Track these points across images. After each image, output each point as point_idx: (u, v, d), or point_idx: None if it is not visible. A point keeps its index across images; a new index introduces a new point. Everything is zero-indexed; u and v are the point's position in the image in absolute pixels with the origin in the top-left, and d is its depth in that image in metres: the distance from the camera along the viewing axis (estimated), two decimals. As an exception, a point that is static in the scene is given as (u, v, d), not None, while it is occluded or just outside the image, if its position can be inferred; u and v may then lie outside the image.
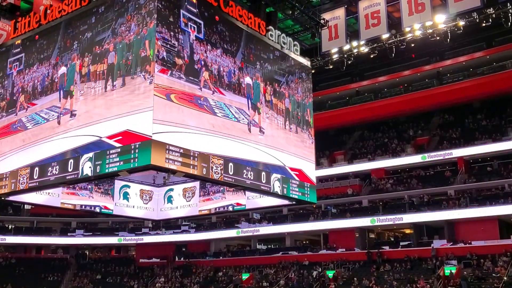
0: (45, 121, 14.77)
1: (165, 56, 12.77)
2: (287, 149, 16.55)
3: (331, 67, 29.04)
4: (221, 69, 14.65)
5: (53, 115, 14.59)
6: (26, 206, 46.04)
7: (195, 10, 14.03)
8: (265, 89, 16.23)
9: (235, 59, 15.21)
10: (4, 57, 16.34)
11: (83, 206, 18.64)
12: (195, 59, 13.72)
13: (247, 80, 15.53)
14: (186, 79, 13.33)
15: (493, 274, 30.04)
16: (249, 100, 15.50)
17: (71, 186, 17.80)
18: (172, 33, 13.14)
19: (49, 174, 14.04)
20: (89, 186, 18.88)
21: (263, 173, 14.98)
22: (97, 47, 13.94)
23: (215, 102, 14.08)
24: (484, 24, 25.26)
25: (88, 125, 13.56)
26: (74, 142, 13.72)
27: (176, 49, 13.16)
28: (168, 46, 12.96)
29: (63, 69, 14.71)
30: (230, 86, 14.89)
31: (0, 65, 16.49)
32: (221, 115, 14.24)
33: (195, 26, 13.93)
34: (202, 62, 14.01)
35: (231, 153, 14.29)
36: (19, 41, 16.14)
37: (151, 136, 11.90)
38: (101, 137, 13.02)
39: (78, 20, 14.64)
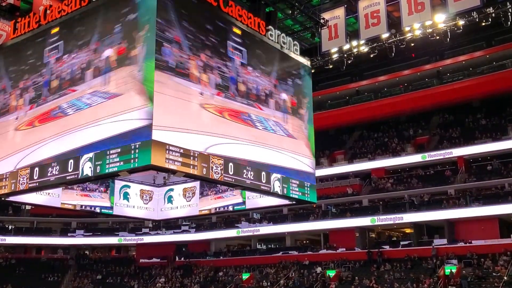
0: (87, 106, 14.08)
1: (220, 82, 14.54)
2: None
3: (331, 66, 29.06)
4: (259, 87, 16.19)
5: (96, 100, 13.95)
6: (26, 207, 46.07)
7: (239, 40, 15.50)
8: (293, 101, 17.44)
9: (270, 77, 16.74)
10: (40, 46, 15.99)
11: (83, 206, 18.63)
12: (239, 81, 15.37)
13: (283, 96, 17.09)
14: (234, 99, 14.97)
15: (494, 274, 30.05)
16: (285, 114, 16.96)
17: (84, 188, 17.90)
18: (222, 61, 14.78)
19: (49, 174, 14.03)
20: (101, 188, 18.96)
21: (263, 173, 14.98)
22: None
23: (256, 116, 15.64)
24: (483, 24, 25.27)
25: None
26: (123, 126, 12.79)
27: (227, 76, 14.93)
28: (221, 73, 14.70)
29: (108, 52, 13.89)
30: (267, 101, 16.40)
31: (37, 55, 15.99)
32: (261, 128, 15.78)
33: (240, 54, 15.53)
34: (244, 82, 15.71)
35: (268, 160, 15.64)
36: (56, 29, 15.69)
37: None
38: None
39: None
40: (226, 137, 14.36)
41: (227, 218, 46.74)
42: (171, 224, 47.74)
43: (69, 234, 49.94)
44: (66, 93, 14.75)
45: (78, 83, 14.53)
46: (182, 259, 48.02)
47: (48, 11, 15.38)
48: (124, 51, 13.30)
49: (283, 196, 15.89)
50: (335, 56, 27.69)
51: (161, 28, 12.74)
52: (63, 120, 14.59)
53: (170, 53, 12.99)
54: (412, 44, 27.39)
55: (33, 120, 15.54)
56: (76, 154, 13.58)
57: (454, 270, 30.97)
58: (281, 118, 16.66)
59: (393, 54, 27.01)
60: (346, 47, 27.17)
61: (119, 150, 12.35)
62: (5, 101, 16.63)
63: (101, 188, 19.25)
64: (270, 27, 16.60)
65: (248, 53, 15.74)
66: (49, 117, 15.07)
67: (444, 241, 36.03)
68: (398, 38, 26.39)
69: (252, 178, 14.52)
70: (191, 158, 12.71)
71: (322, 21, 22.07)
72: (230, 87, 14.92)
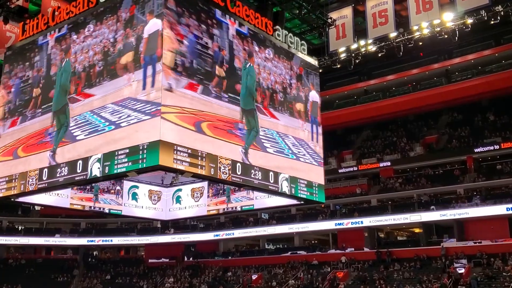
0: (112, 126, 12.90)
1: (194, 64, 11.49)
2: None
3: (338, 66, 28.94)
4: (273, 78, 12.72)
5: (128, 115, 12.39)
6: (36, 207, 46.29)
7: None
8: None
9: (292, 63, 13.51)
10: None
11: (92, 207, 18.71)
12: (236, 65, 12.46)
13: (313, 95, 14.04)
14: (227, 98, 12.25)
15: (503, 273, 29.87)
16: (314, 125, 13.84)
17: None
18: (204, 26, 11.70)
19: (58, 175, 14.07)
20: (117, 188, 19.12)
21: (271, 173, 14.90)
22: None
23: (264, 131, 12.70)
24: (492, 22, 25.08)
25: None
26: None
27: (209, 52, 11.43)
28: (199, 46, 11.66)
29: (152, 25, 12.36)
30: (286, 105, 13.16)
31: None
32: (273, 151, 12.94)
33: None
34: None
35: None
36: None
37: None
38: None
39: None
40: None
41: (235, 218, 46.76)
42: (180, 224, 47.83)
43: (78, 235, 50.20)
44: (75, 100, 13.89)
45: (95, 83, 13.57)
46: (191, 259, 48.10)
47: (56, 13, 15.42)
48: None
49: (291, 196, 15.83)
50: (343, 56, 27.60)
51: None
52: (67, 149, 13.72)
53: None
54: (420, 43, 27.26)
55: (15, 146, 14.84)
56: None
57: (463, 270, 30.88)
58: (308, 131, 13.63)
59: (401, 53, 26.88)
60: (354, 46, 27.08)
61: (127, 150, 12.37)
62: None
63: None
64: (277, 27, 16.56)
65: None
66: (41, 143, 14.32)
67: (454, 240, 35.87)
68: (406, 37, 26.28)
69: (260, 178, 14.45)
70: (199, 158, 12.69)
71: (329, 20, 22.02)
72: (212, 73, 12.13)
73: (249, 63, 14.63)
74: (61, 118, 14.33)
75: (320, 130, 15.12)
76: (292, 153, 13.94)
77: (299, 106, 14.83)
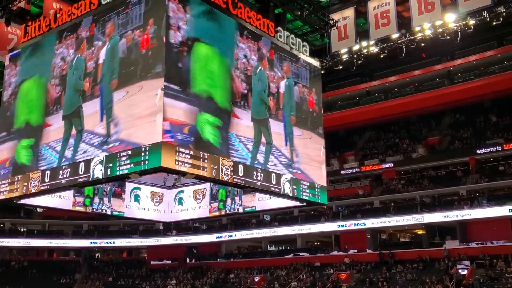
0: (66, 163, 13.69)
1: None
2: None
3: (340, 67, 28.89)
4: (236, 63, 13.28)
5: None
6: (38, 209, 46.35)
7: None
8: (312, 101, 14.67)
9: (260, 44, 13.83)
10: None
11: (94, 209, 18.69)
12: (177, 38, 12.27)
13: (283, 84, 13.96)
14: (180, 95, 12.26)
15: (506, 275, 29.79)
16: (286, 126, 13.87)
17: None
18: None
19: (60, 177, 14.04)
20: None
21: (273, 174, 14.88)
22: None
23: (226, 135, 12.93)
24: (494, 23, 25.01)
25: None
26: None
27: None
28: None
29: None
30: (246, 98, 13.56)
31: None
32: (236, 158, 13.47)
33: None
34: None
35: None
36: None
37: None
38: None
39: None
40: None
41: (237, 220, 46.75)
42: (182, 226, 47.84)
43: (80, 237, 50.23)
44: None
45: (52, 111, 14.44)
46: (193, 260, 48.09)
47: (58, 15, 15.40)
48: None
49: (293, 198, 15.79)
50: (345, 57, 27.54)
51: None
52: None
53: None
54: (423, 44, 27.19)
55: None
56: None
57: (466, 272, 30.80)
58: (281, 135, 13.68)
59: (403, 54, 26.83)
60: (356, 47, 27.01)
61: (129, 152, 12.36)
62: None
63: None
64: (279, 28, 16.53)
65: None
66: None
67: (456, 242, 35.80)
68: (408, 38, 26.21)
69: (262, 179, 14.41)
70: (201, 160, 12.65)
71: (331, 22, 21.99)
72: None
73: (260, 68, 14.67)
74: (75, 122, 13.88)
75: (297, 131, 14.70)
76: (258, 163, 13.94)
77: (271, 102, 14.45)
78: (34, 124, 14.89)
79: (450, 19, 24.49)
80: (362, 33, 27.63)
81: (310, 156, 15.73)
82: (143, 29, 12.39)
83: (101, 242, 50.19)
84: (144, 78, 12.04)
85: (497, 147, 38.88)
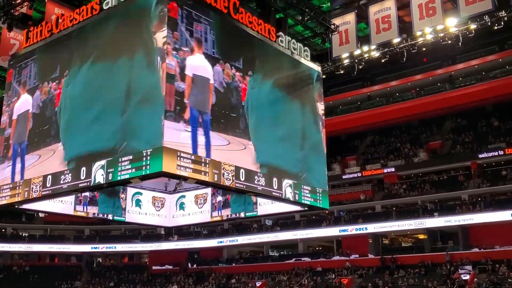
0: None
1: None
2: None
3: (342, 72, 28.92)
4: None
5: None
6: (40, 214, 46.36)
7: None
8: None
9: None
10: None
11: (96, 214, 18.67)
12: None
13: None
14: None
15: (509, 279, 29.70)
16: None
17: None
18: None
19: (61, 182, 14.04)
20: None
21: (275, 179, 14.86)
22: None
23: None
24: (496, 27, 24.99)
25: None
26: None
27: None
28: None
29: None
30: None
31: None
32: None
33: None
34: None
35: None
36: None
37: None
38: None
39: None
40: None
41: (239, 225, 46.69)
42: (183, 231, 47.78)
43: (82, 242, 50.20)
44: None
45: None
46: (195, 266, 48.02)
47: (60, 20, 15.44)
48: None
49: (295, 202, 15.78)
50: (346, 62, 27.55)
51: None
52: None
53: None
54: (424, 49, 27.16)
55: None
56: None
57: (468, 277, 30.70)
58: None
59: (404, 59, 26.84)
60: (357, 52, 27.03)
61: (131, 157, 12.37)
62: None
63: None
64: (280, 33, 16.55)
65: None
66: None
67: (458, 247, 35.71)
68: (410, 43, 26.22)
69: (263, 184, 14.41)
70: (202, 164, 12.66)
71: (332, 26, 22.02)
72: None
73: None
74: None
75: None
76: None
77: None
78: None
79: (452, 24, 24.50)
80: (363, 37, 27.67)
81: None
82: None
83: (102, 247, 50.14)
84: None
85: (499, 151, 38.82)
